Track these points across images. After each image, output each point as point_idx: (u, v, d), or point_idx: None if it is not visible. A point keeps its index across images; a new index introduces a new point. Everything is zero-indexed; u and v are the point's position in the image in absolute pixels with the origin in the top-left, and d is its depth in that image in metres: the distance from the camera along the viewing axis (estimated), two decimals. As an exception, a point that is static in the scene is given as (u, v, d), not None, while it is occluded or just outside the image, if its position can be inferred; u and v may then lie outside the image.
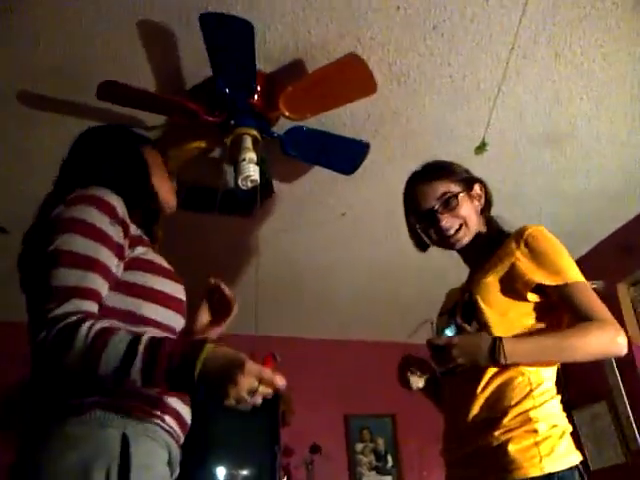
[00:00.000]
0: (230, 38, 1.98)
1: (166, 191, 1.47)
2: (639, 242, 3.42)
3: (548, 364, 1.51)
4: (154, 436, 1.16)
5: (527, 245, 1.53)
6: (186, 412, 1.27)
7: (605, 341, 1.41)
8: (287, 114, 2.29)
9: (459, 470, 1.56)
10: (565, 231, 2.96)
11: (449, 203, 1.64)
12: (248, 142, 2.26)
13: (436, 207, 1.64)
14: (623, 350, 1.42)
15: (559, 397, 1.53)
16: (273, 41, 2.16)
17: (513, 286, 1.52)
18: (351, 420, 4.52)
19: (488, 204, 1.73)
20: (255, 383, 1.01)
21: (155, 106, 2.29)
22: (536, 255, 1.52)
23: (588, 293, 1.48)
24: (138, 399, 1.15)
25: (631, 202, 3.38)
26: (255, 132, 2.29)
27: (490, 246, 1.64)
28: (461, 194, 1.65)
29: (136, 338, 1.04)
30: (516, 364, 1.46)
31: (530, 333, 1.50)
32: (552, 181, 3.12)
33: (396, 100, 2.47)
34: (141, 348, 1.02)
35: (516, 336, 1.47)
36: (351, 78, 2.19)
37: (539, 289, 1.51)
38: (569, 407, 1.56)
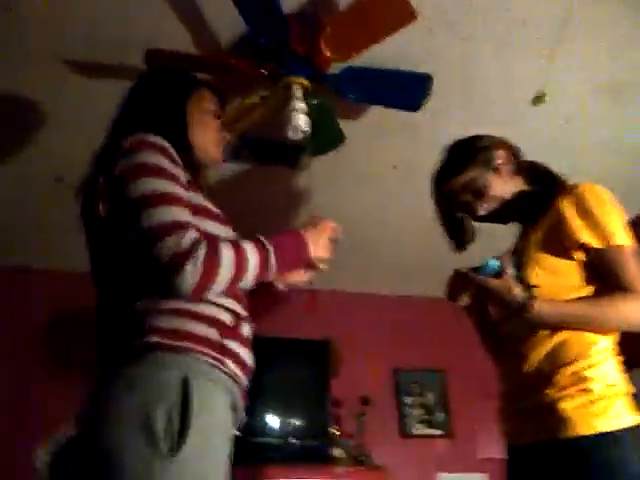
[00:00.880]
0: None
1: (207, 143, 1.45)
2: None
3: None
4: (215, 379, 1.17)
5: (577, 203, 1.50)
6: (247, 355, 1.28)
7: (637, 316, 1.40)
8: (329, 55, 2.20)
9: (513, 425, 1.57)
10: (625, 186, 2.86)
11: (476, 191, 1.64)
12: (297, 91, 2.22)
13: (466, 199, 1.66)
14: None
15: (618, 358, 1.49)
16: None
17: (561, 244, 1.50)
18: (400, 374, 4.54)
19: (518, 161, 1.68)
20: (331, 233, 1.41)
21: (203, 67, 2.25)
22: (584, 213, 1.48)
23: (631, 260, 1.44)
24: (198, 342, 1.16)
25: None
26: (304, 80, 2.24)
27: (541, 200, 1.61)
28: (486, 175, 1.63)
29: (263, 244, 1.24)
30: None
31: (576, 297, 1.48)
32: (613, 134, 2.99)
33: (452, 48, 2.39)
34: (271, 256, 1.23)
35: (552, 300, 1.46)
36: (386, 6, 2.07)
37: (585, 250, 1.47)
38: (629, 369, 1.52)
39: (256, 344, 1.33)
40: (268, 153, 2.94)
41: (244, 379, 1.26)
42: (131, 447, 1.05)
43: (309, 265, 1.39)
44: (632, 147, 3.10)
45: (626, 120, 2.88)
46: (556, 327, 1.47)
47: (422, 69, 2.47)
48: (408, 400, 4.52)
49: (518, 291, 1.45)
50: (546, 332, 1.48)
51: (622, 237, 1.45)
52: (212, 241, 1.16)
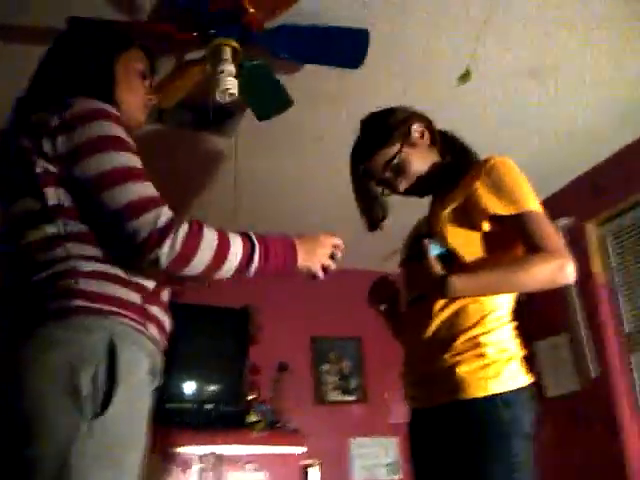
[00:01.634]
0: None
1: (133, 106, 1.39)
2: (609, 182, 3.45)
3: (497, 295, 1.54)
4: (138, 343, 1.16)
5: (487, 174, 1.52)
6: (167, 321, 1.28)
7: (549, 272, 1.43)
8: (254, 12, 2.14)
9: (413, 390, 1.64)
10: (539, 167, 2.98)
11: (397, 168, 1.65)
12: (226, 53, 2.17)
13: (387, 176, 1.67)
14: (569, 279, 1.44)
15: (514, 324, 1.57)
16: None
17: (470, 216, 1.53)
18: (318, 341, 4.61)
19: (433, 134, 1.70)
20: (332, 251, 1.39)
21: (130, 34, 2.13)
22: (494, 184, 1.51)
23: (541, 223, 1.48)
24: (123, 306, 1.15)
25: (608, 142, 3.38)
26: (233, 42, 2.18)
27: (453, 174, 1.64)
28: (403, 150, 1.64)
29: (251, 240, 1.22)
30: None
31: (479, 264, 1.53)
32: (533, 116, 3.09)
33: (382, 19, 2.39)
34: (256, 253, 1.21)
35: (464, 271, 1.50)
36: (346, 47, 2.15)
37: (496, 220, 1.51)
38: (529, 338, 1.61)
39: (176, 310, 1.33)
40: (194, 118, 2.87)
41: (163, 344, 1.27)
42: (54, 407, 1.03)
43: (294, 272, 1.34)
44: (553, 130, 3.22)
45: (546, 101, 2.99)
46: (452, 298, 1.52)
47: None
48: (325, 367, 4.61)
49: (437, 271, 1.49)
50: (443, 301, 1.53)
51: (533, 203, 1.49)
52: (196, 223, 1.16)
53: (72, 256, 1.13)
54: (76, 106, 1.17)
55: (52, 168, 1.14)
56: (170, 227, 1.11)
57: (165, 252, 1.10)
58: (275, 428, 3.96)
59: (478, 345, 1.48)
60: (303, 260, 1.31)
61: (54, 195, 1.15)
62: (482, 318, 1.51)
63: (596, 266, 3.57)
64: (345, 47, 2.38)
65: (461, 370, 1.47)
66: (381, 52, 2.55)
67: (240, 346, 4.05)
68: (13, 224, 1.19)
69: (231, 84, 2.16)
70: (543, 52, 2.63)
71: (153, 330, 1.21)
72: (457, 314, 1.52)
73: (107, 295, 1.13)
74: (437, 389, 1.52)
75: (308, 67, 2.57)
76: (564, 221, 3.55)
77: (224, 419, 3.82)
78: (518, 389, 1.46)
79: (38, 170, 1.14)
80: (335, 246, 1.40)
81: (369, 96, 2.79)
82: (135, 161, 1.17)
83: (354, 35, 2.35)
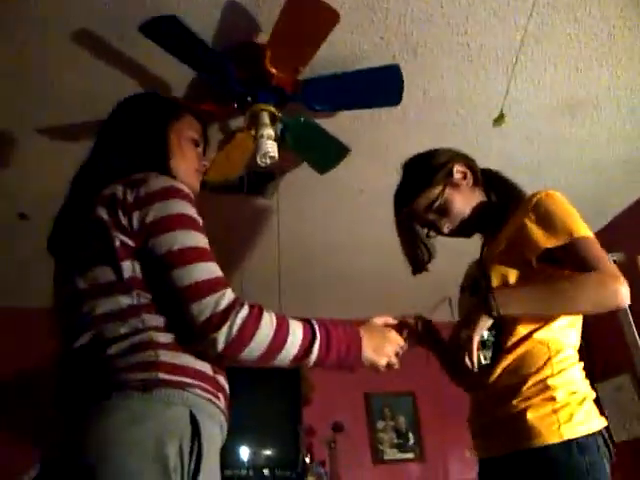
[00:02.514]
0: (171, 37, 2.02)
1: (185, 172, 1.41)
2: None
3: (548, 315, 1.47)
4: (213, 415, 1.16)
5: (535, 209, 1.49)
6: (228, 389, 1.27)
7: (603, 292, 1.37)
8: (277, 73, 2.21)
9: (480, 439, 1.58)
10: (584, 202, 2.92)
11: (440, 209, 1.63)
12: (265, 118, 2.24)
13: (431, 218, 1.65)
14: (623, 302, 1.37)
15: (581, 364, 1.51)
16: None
17: (523, 255, 1.49)
18: (372, 398, 4.53)
19: (475, 174, 1.68)
20: (398, 349, 1.35)
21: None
22: (543, 218, 1.47)
23: (594, 248, 1.43)
24: (198, 377, 1.14)
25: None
26: (271, 107, 2.26)
27: (500, 213, 1.62)
28: (446, 191, 1.63)
29: (312, 329, 1.19)
30: (514, 317, 1.44)
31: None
32: (571, 151, 3.08)
33: (412, 71, 2.44)
34: (317, 342, 1.18)
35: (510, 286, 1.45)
36: (310, 14, 2.06)
37: (547, 255, 1.46)
38: (592, 380, 1.53)
39: (228, 374, 1.31)
40: (237, 183, 2.93)
41: (229, 414, 1.25)
42: (142, 478, 1.01)
43: (358, 365, 1.28)
44: (591, 164, 3.18)
45: (584, 138, 2.97)
46: (519, 341, 1.46)
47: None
48: (380, 425, 4.50)
49: (478, 303, 1.43)
50: (509, 344, 1.47)
51: (584, 230, 1.45)
52: (257, 307, 1.15)
53: (149, 327, 1.13)
54: (151, 183, 1.20)
55: (129, 242, 1.15)
56: (230, 310, 1.11)
57: (223, 336, 1.09)
58: (334, 491, 3.85)
59: (547, 388, 1.42)
60: (370, 354, 1.28)
61: (130, 267, 1.15)
62: (549, 359, 1.45)
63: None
64: (380, 86, 2.38)
65: (531, 416, 1.40)
66: (414, 101, 2.58)
67: (293, 408, 4.00)
68: (81, 294, 1.19)
69: (271, 147, 2.22)
70: (575, 88, 2.62)
71: (223, 401, 1.20)
72: (522, 357, 1.47)
73: (185, 367, 1.13)
74: (506, 437, 1.45)
75: (341, 122, 2.61)
76: (614, 256, 3.46)
77: (282, 484, 3.74)
78: (593, 433, 1.38)
79: (117, 243, 1.15)
80: (401, 346, 1.37)
81: (405, 146, 2.82)
82: (204, 242, 1.18)
83: (386, 72, 2.35)
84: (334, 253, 3.83)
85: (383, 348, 1.30)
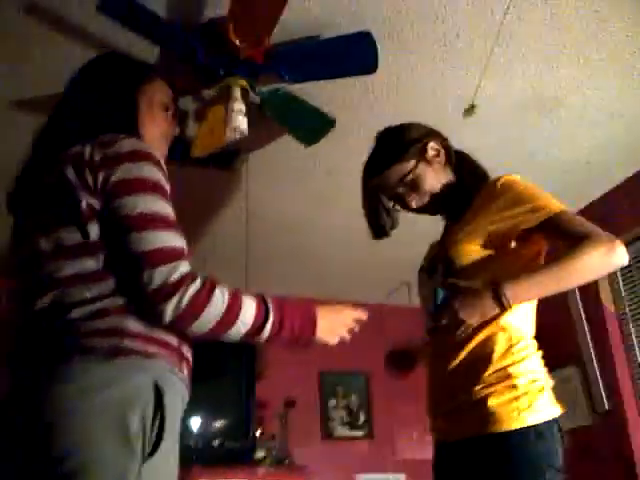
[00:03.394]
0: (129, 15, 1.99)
1: (154, 137, 1.38)
2: (616, 213, 3.45)
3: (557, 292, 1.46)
4: (176, 386, 1.15)
5: (502, 194, 1.51)
6: (191, 361, 1.26)
7: (601, 256, 1.38)
8: (242, 44, 2.15)
9: (439, 423, 1.60)
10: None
11: (411, 184, 1.63)
12: (235, 92, 2.21)
13: (400, 191, 1.65)
14: (623, 258, 1.41)
15: (540, 353, 1.54)
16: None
17: (494, 240, 1.50)
18: (325, 376, 4.58)
19: (448, 154, 1.69)
20: (352, 325, 1.34)
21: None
22: (514, 201, 1.49)
23: (574, 218, 1.45)
24: (164, 347, 1.14)
25: (613, 173, 3.40)
26: (242, 80, 2.23)
27: (466, 195, 1.63)
28: (418, 166, 1.63)
29: (266, 307, 1.17)
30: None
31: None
32: (538, 148, 3.12)
33: (387, 56, 2.42)
34: (269, 321, 1.17)
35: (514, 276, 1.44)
36: (354, 54, 2.14)
37: (523, 237, 1.49)
38: (550, 367, 1.58)
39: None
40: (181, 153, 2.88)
41: (190, 385, 1.25)
42: (104, 446, 1.00)
43: (310, 344, 1.27)
44: (555, 162, 3.24)
45: (550, 134, 3.02)
46: (478, 326, 1.47)
47: (357, 77, 2.50)
48: (332, 402, 4.56)
49: (484, 290, 1.42)
50: (469, 331, 1.47)
51: (557, 205, 1.47)
52: (209, 282, 1.13)
53: (113, 293, 1.12)
54: (122, 144, 1.17)
55: (95, 203, 1.13)
56: (182, 283, 1.09)
57: (170, 307, 1.08)
58: (282, 464, 3.91)
59: (509, 376, 1.45)
60: (322, 334, 1.27)
61: (96, 231, 1.13)
62: (509, 347, 1.48)
63: (606, 296, 3.55)
64: (354, 53, 2.30)
65: (493, 402, 1.42)
66: (386, 87, 2.59)
67: (247, 381, 4.02)
68: (43, 255, 1.16)
69: (241, 122, 2.20)
70: (546, 84, 2.66)
71: (186, 372, 1.20)
72: (484, 344, 1.49)
73: (151, 336, 1.12)
74: (466, 422, 1.48)
75: (317, 100, 2.60)
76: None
77: (231, 455, 3.78)
78: (550, 420, 1.42)
79: (83, 205, 1.12)
80: (357, 320, 1.36)
81: (374, 130, 2.82)
82: (168, 210, 1.16)
83: (359, 39, 2.26)
84: (301, 230, 3.82)
85: (336, 329, 1.30)
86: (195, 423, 3.81)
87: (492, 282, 1.41)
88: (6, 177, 1.31)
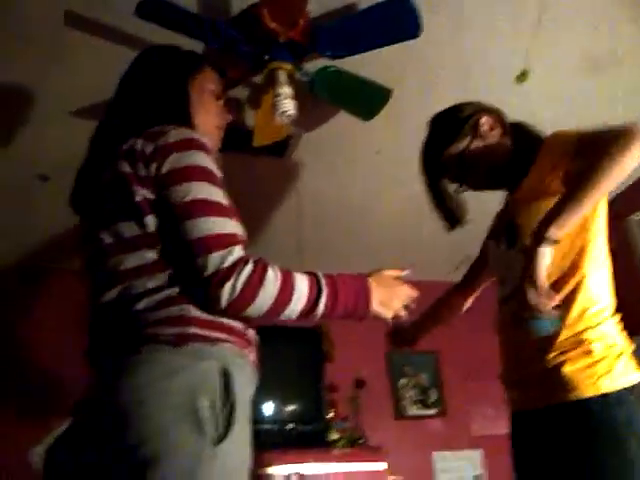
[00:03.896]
0: (166, 16, 1.97)
1: (207, 126, 1.39)
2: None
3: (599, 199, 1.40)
4: (245, 370, 1.17)
5: (552, 148, 1.50)
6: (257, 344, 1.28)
7: (633, 143, 1.32)
8: (280, 29, 2.16)
9: (514, 392, 1.59)
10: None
11: (469, 162, 1.63)
12: (281, 76, 2.21)
13: (460, 170, 1.65)
14: None
15: (617, 317, 1.49)
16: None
17: (555, 192, 1.44)
18: (392, 357, 4.57)
19: (503, 126, 1.67)
20: (407, 301, 1.33)
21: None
22: (555, 150, 1.48)
23: (602, 128, 1.40)
24: (230, 332, 1.16)
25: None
26: (286, 64, 2.23)
27: (525, 161, 1.59)
28: (473, 143, 1.62)
29: (318, 283, 1.18)
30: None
31: None
32: (593, 109, 2.99)
33: (433, 29, 2.37)
34: (323, 296, 1.17)
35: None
36: (394, 20, 2.10)
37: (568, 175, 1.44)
38: (630, 333, 1.52)
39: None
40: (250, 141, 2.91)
41: (258, 368, 1.27)
42: (178, 431, 1.03)
43: (366, 317, 1.27)
44: (614, 121, 3.10)
45: (606, 94, 2.90)
46: (555, 283, 1.43)
47: (406, 49, 2.44)
48: (402, 382, 4.56)
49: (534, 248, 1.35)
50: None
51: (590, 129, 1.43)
52: (261, 264, 1.13)
53: (175, 282, 1.14)
54: (171, 134, 1.19)
55: (150, 195, 1.16)
56: (235, 267, 1.10)
57: (226, 293, 1.09)
58: (356, 445, 3.93)
59: (584, 342, 1.41)
60: (377, 307, 1.26)
61: (153, 222, 1.16)
62: (583, 312, 1.44)
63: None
64: (394, 19, 2.20)
65: (568, 369, 1.40)
66: (434, 59, 2.54)
67: (315, 364, 4.06)
68: (107, 249, 1.19)
69: (289, 106, 2.20)
70: (597, 45, 2.56)
71: (252, 355, 1.22)
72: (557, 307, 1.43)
73: (215, 321, 1.14)
74: (542, 391, 1.46)
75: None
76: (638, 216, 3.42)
77: (305, 438, 3.83)
78: (632, 386, 1.37)
79: (138, 198, 1.15)
80: (411, 298, 1.35)
81: (423, 105, 2.78)
82: (220, 196, 1.18)
83: (398, 4, 2.16)
84: (352, 212, 3.81)
85: (391, 301, 1.29)
86: (267, 408, 3.87)
87: (533, 233, 1.36)
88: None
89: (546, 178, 1.49)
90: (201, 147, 1.20)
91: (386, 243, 4.22)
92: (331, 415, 4.00)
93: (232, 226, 1.16)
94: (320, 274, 1.20)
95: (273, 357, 3.85)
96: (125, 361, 1.10)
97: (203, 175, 1.17)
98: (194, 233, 1.11)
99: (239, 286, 1.09)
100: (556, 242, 1.33)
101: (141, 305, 1.13)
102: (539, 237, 1.33)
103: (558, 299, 1.37)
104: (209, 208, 1.14)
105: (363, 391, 4.19)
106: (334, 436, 3.88)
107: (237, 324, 1.18)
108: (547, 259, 1.33)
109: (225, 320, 1.15)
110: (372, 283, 1.26)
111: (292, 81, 2.27)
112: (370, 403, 4.22)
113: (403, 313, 1.33)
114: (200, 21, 2.13)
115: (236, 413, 1.08)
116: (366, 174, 3.41)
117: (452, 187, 1.71)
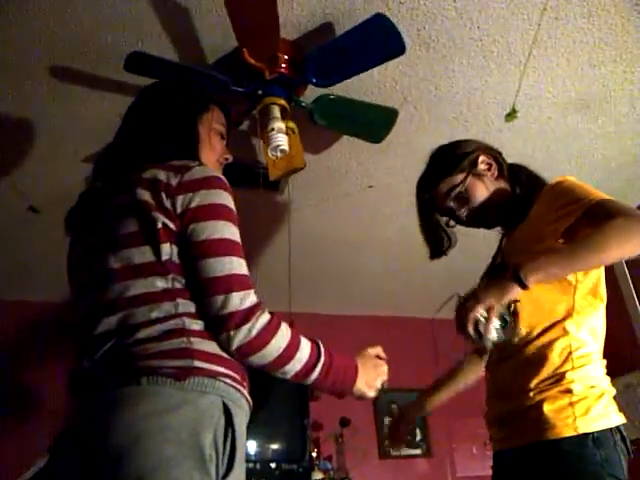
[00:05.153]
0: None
1: (210, 164, 1.42)
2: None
3: (579, 270, 1.41)
4: (242, 405, 1.17)
5: (556, 196, 1.49)
6: None
7: (630, 232, 1.29)
8: (262, 65, 2.18)
9: (496, 429, 1.58)
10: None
11: (461, 197, 1.64)
12: (276, 112, 2.23)
13: (452, 205, 1.65)
14: None
15: (603, 362, 1.49)
16: (300, 7, 2.12)
17: (551, 240, 1.46)
18: (379, 394, 4.51)
19: (500, 167, 1.68)
20: (384, 380, 1.36)
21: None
22: (565, 200, 1.45)
23: (617, 202, 1.38)
24: (229, 366, 1.16)
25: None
26: (283, 101, 2.25)
27: (522, 203, 1.61)
28: (468, 179, 1.63)
29: (318, 351, 1.22)
30: (544, 283, 1.35)
31: None
32: (584, 148, 3.05)
33: (424, 66, 2.42)
34: (319, 365, 1.21)
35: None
36: (377, 40, 2.08)
37: (574, 230, 1.42)
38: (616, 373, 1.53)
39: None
40: (244, 176, 2.91)
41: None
42: (180, 468, 1.00)
43: (347, 393, 1.32)
44: (603, 160, 3.15)
45: (596, 133, 2.94)
46: (542, 331, 1.45)
47: (396, 89, 2.51)
48: (387, 420, 4.49)
49: (507, 275, 1.34)
50: (531, 336, 1.46)
51: (600, 194, 1.42)
52: (277, 316, 1.18)
53: (182, 313, 1.14)
54: (197, 170, 1.23)
55: (171, 225, 1.17)
56: (253, 312, 1.13)
57: (240, 335, 1.11)
58: (341, 485, 3.85)
59: (565, 381, 1.41)
60: (362, 386, 1.31)
61: (168, 250, 1.17)
62: (570, 353, 1.44)
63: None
64: (377, 39, 2.13)
65: (547, 408, 1.39)
66: (425, 96, 2.57)
67: (300, 402, 3.99)
68: (112, 274, 1.18)
69: (282, 141, 2.20)
70: (588, 83, 2.60)
71: (246, 391, 1.21)
72: (543, 348, 1.45)
73: (217, 355, 1.14)
74: (522, 429, 1.45)
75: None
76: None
77: (289, 477, 3.74)
78: (610, 428, 1.37)
79: (159, 225, 1.16)
80: (384, 375, 1.39)
81: (415, 141, 2.81)
82: (239, 237, 1.21)
83: (377, 23, 2.09)
84: (344, 248, 3.81)
85: (374, 381, 1.33)
86: (251, 446, 3.79)
87: (514, 264, 1.34)
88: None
89: (545, 227, 1.48)
90: (226, 187, 1.24)
91: (375, 278, 4.22)
92: (315, 454, 3.92)
93: (246, 269, 1.19)
94: (321, 345, 1.25)
95: (258, 394, 3.81)
96: (124, 391, 1.07)
97: (228, 215, 1.21)
98: (217, 270, 1.14)
99: (254, 332, 1.12)
100: (525, 287, 1.29)
101: (141, 334, 1.11)
102: (515, 273, 1.30)
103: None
104: (232, 248, 1.18)
105: (348, 430, 4.11)
106: (318, 476, 3.80)
107: (236, 361, 1.18)
108: (507, 296, 1.31)
109: (225, 354, 1.16)
110: (359, 364, 1.31)
111: (286, 115, 2.28)
112: (355, 442, 4.14)
113: (379, 388, 1.36)
114: (187, 70, 2.16)
115: (237, 452, 1.07)
116: (359, 208, 3.41)
117: (443, 220, 1.72)
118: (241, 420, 1.14)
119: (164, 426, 1.02)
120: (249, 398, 1.22)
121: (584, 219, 1.39)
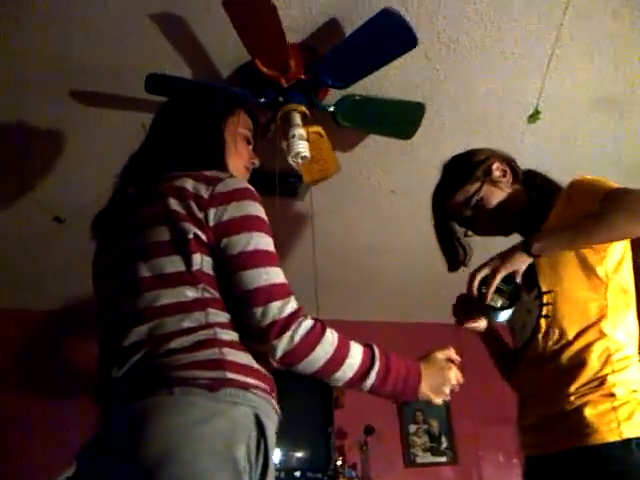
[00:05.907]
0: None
1: (237, 169, 1.41)
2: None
3: (589, 244, 1.42)
4: (272, 416, 1.16)
5: (573, 197, 1.49)
6: None
7: (626, 214, 1.31)
8: (275, 73, 2.17)
9: (530, 436, 1.54)
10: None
11: (477, 205, 1.62)
12: (297, 118, 2.22)
13: (468, 214, 1.64)
14: None
15: None
16: (309, 8, 2.09)
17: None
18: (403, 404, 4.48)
19: (515, 173, 1.67)
20: (455, 387, 1.30)
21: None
22: (578, 194, 1.47)
23: (635, 189, 1.37)
24: (261, 378, 1.15)
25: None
26: (303, 108, 2.24)
27: (541, 211, 1.59)
28: (483, 188, 1.61)
29: (372, 355, 1.19)
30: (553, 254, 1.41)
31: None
32: (607, 149, 3.00)
33: (445, 69, 2.40)
34: (375, 369, 1.18)
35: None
36: (388, 35, 2.05)
37: None
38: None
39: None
40: (265, 184, 2.91)
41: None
42: (214, 478, 0.99)
43: (413, 398, 1.27)
44: (629, 160, 3.10)
45: (622, 134, 2.89)
46: (577, 334, 1.43)
47: (417, 92, 2.49)
48: (412, 428, 4.46)
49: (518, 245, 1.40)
50: (566, 340, 1.44)
51: (615, 185, 1.42)
52: (320, 322, 1.16)
53: (213, 324, 1.13)
54: (229, 182, 1.22)
55: (202, 236, 1.16)
56: (294, 319, 1.12)
57: (283, 344, 1.10)
58: (365, 494, 3.83)
59: (607, 385, 1.38)
60: (428, 392, 1.26)
61: (199, 260, 1.16)
62: (609, 356, 1.41)
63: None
64: (388, 34, 2.09)
65: (589, 412, 1.36)
66: (446, 99, 2.55)
67: (325, 410, 3.98)
68: (142, 283, 1.17)
69: (303, 147, 2.20)
70: (612, 84, 2.56)
71: (275, 401, 1.20)
72: (581, 352, 1.43)
73: (248, 366, 1.14)
74: (560, 433, 1.41)
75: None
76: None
77: (313, 487, 3.73)
78: None
79: (190, 235, 1.15)
80: (459, 382, 1.32)
81: (436, 144, 2.78)
82: (273, 247, 1.20)
83: (386, 19, 2.04)
84: (367, 254, 3.79)
85: (441, 387, 1.28)
86: (276, 454, 3.78)
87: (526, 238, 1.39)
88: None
89: (568, 220, 1.47)
90: (256, 197, 1.23)
91: (401, 283, 4.19)
92: (339, 462, 3.90)
93: (284, 277, 1.18)
94: (376, 348, 1.21)
95: (282, 402, 3.79)
96: (156, 402, 1.06)
97: (262, 226, 1.20)
98: (254, 282, 1.13)
99: (297, 339, 1.11)
100: (531, 254, 1.36)
101: (173, 344, 1.11)
102: (524, 242, 1.37)
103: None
104: (268, 258, 1.17)
105: (373, 437, 4.08)
106: (342, 485, 3.77)
107: (265, 369, 1.17)
108: (519, 265, 1.37)
109: (256, 365, 1.15)
110: (424, 368, 1.26)
111: (307, 120, 2.27)
112: (380, 450, 4.11)
113: (449, 397, 1.30)
114: (205, 87, 2.16)
115: (269, 464, 1.06)
116: (381, 213, 3.40)
117: (460, 231, 1.71)
118: (272, 432, 1.13)
119: (199, 437, 1.01)
120: (278, 409, 1.20)
121: (603, 203, 1.39)
